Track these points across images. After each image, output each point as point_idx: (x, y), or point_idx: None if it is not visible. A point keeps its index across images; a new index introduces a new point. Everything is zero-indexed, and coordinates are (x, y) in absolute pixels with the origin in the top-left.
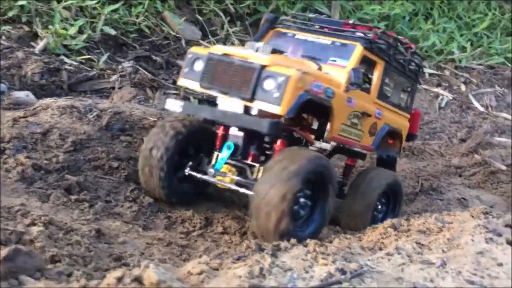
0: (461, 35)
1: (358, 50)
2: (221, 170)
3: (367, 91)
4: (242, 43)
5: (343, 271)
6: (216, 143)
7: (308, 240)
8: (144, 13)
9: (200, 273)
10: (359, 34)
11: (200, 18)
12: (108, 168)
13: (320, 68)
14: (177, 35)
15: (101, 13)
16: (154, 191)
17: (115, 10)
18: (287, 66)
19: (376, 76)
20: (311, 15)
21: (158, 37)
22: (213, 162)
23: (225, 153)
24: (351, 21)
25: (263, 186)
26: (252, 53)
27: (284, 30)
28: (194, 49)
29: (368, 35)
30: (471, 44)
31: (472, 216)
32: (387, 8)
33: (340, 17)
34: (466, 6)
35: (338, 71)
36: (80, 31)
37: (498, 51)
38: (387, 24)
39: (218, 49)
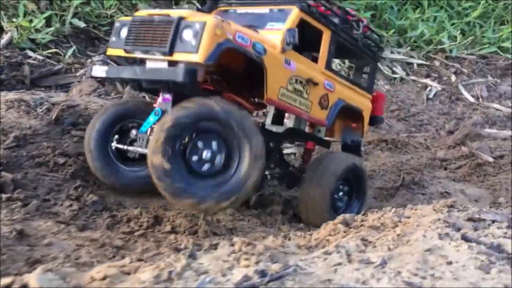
0: (452, 25)
1: (294, 12)
2: (145, 133)
3: (315, 60)
4: None
5: (263, 274)
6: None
7: (236, 239)
8: (118, 5)
9: (104, 278)
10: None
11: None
12: (53, 165)
13: (257, 32)
14: None
15: (70, 6)
16: (103, 179)
17: (87, 3)
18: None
19: (322, 45)
20: None
21: None
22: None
23: (151, 119)
24: None
25: None
26: (173, 11)
27: (226, 8)
28: (121, 18)
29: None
30: (463, 34)
31: (435, 210)
32: None
33: None
34: None
35: (274, 33)
36: (50, 25)
37: (491, 40)
38: (374, 14)
39: (143, 12)
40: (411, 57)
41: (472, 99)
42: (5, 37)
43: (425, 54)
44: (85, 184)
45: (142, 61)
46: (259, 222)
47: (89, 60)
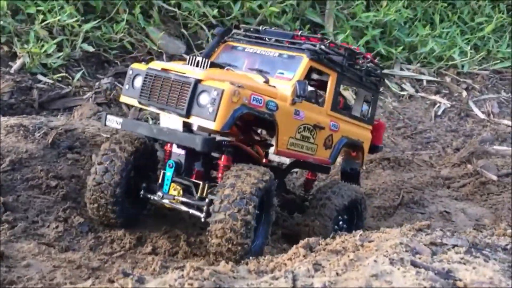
0: (465, 40)
1: (304, 62)
2: (168, 193)
3: (321, 103)
4: None
5: None
6: (164, 160)
7: (187, 264)
8: (127, 29)
9: None
10: (306, 45)
11: (185, 32)
12: (45, 187)
13: (267, 81)
14: (160, 50)
15: (80, 31)
16: (107, 223)
17: (98, 27)
18: (224, 80)
19: (328, 88)
20: (262, 27)
21: (141, 52)
22: (159, 181)
23: (168, 173)
24: (299, 33)
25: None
26: (189, 68)
27: (234, 44)
28: (134, 65)
29: (315, 45)
30: (476, 49)
31: (402, 233)
32: (382, 14)
33: (334, 26)
34: (471, 9)
35: (284, 84)
36: (61, 50)
37: (505, 55)
38: (383, 31)
39: (157, 65)
40: (421, 73)
41: (482, 116)
42: (18, 63)
43: (436, 70)
44: (75, 205)
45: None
46: None
47: (97, 83)
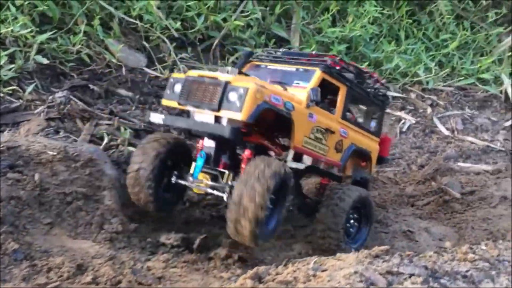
0: (430, 56)
1: (317, 73)
2: (198, 178)
3: (332, 112)
4: (192, 69)
5: None
6: (195, 155)
7: None
8: (86, 41)
9: None
10: (319, 60)
11: (147, 44)
12: None
13: (285, 89)
14: (119, 63)
15: (33, 42)
16: (144, 206)
17: (54, 39)
18: (250, 81)
19: (339, 99)
20: (282, 49)
21: (100, 65)
22: (191, 171)
23: (199, 162)
24: (314, 52)
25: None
26: (220, 74)
27: (258, 63)
28: (174, 75)
29: (326, 60)
30: (441, 66)
31: (358, 261)
32: (348, 30)
33: (300, 41)
34: (435, 26)
35: (300, 91)
36: (13, 61)
37: (469, 71)
38: (349, 46)
39: (194, 73)
40: (387, 88)
41: (447, 132)
42: None
43: (401, 86)
44: (12, 230)
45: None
46: (194, 269)
47: (51, 96)
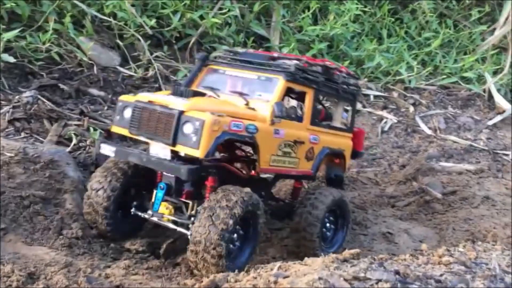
0: (413, 55)
1: (280, 83)
2: (158, 211)
3: (300, 119)
4: (168, 68)
5: None
6: (156, 181)
7: None
8: (57, 39)
9: None
10: (282, 66)
11: (120, 43)
12: None
13: (247, 103)
14: (91, 62)
15: (0, 40)
16: (100, 231)
17: (23, 37)
18: (206, 109)
19: (306, 104)
20: (240, 50)
21: (71, 64)
22: (152, 200)
23: (159, 194)
24: (276, 54)
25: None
26: (173, 99)
27: (216, 67)
28: (123, 97)
29: (290, 66)
30: (423, 64)
31: (324, 265)
32: (329, 28)
33: (280, 39)
34: (418, 25)
35: (263, 106)
36: None
37: (452, 70)
38: (330, 45)
39: (144, 97)
40: (369, 88)
41: (429, 131)
42: None
43: (383, 85)
44: None
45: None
46: (156, 276)
47: (17, 96)
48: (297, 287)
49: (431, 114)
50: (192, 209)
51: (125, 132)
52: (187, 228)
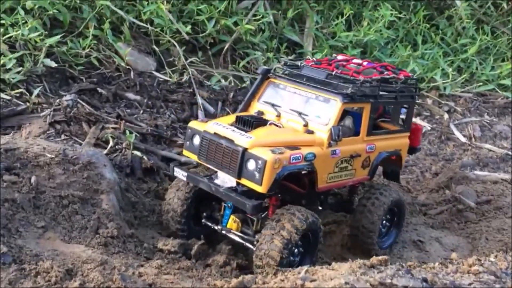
0: (448, 61)
1: (337, 107)
2: (227, 226)
3: (356, 133)
4: (202, 73)
5: None
6: None
7: None
8: (96, 45)
9: None
10: (339, 88)
11: (156, 48)
12: None
13: (306, 124)
14: (128, 67)
15: (42, 46)
16: (175, 234)
17: (64, 42)
18: (268, 144)
19: (363, 118)
20: (300, 63)
21: (109, 69)
22: (221, 212)
23: (226, 211)
24: (340, 57)
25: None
26: (237, 135)
27: (276, 82)
28: (192, 124)
29: (347, 87)
30: (459, 71)
31: (351, 271)
32: (362, 34)
33: (313, 45)
34: (454, 31)
35: (321, 128)
36: (22, 65)
37: (489, 77)
38: (363, 51)
39: (211, 128)
40: None
41: (463, 139)
42: None
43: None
44: (4, 233)
45: None
46: (187, 276)
47: (58, 100)
48: None
49: (466, 121)
50: (257, 225)
51: (194, 157)
52: (252, 243)
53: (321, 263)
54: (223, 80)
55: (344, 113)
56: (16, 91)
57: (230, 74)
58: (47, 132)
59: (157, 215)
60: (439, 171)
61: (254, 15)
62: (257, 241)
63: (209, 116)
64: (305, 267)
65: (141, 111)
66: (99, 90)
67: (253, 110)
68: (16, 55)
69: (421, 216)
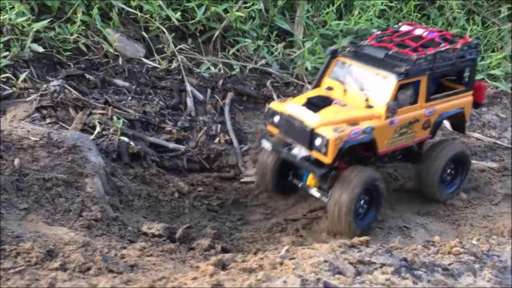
0: None
1: (393, 84)
2: (306, 184)
3: (414, 101)
4: (191, 61)
5: None
6: None
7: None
8: (84, 31)
9: None
10: (394, 66)
11: (146, 35)
12: None
13: (367, 99)
14: (117, 53)
15: (29, 30)
16: (266, 190)
17: (52, 28)
18: (332, 123)
19: (420, 88)
20: (363, 43)
21: (97, 55)
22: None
23: (306, 172)
24: (403, 27)
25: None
26: (307, 116)
27: (343, 60)
28: (272, 105)
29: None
30: None
31: (331, 249)
32: (353, 23)
33: (304, 34)
34: (445, 21)
35: (379, 102)
36: (9, 49)
37: (479, 67)
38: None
39: (287, 110)
40: None
41: (451, 128)
42: None
43: None
44: None
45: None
46: (170, 258)
47: (45, 85)
48: (301, 268)
49: None
50: (330, 182)
51: (276, 132)
52: (326, 197)
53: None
54: (212, 68)
55: (402, 86)
56: (3, 75)
57: (220, 62)
58: (32, 116)
59: (143, 199)
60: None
61: (245, 2)
62: (330, 195)
63: (199, 103)
64: (286, 247)
65: (129, 98)
66: (87, 76)
67: (324, 85)
68: (3, 39)
69: (407, 203)
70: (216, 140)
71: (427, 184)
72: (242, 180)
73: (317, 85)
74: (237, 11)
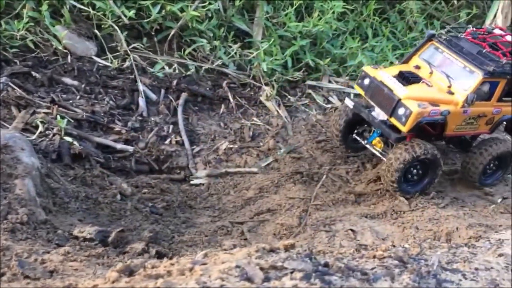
0: (397, 54)
1: (478, 79)
2: (372, 143)
3: (489, 99)
4: (145, 60)
5: None
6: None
7: None
8: (33, 27)
9: None
10: (484, 64)
11: (98, 33)
12: None
13: (450, 86)
14: (66, 51)
15: None
16: (336, 142)
17: None
18: (417, 98)
19: (497, 89)
20: (460, 35)
21: (46, 52)
22: (371, 133)
23: (374, 134)
24: (496, 30)
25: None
26: (397, 86)
27: (437, 45)
28: (365, 68)
29: (490, 65)
30: None
31: (248, 254)
32: (311, 25)
33: (263, 35)
34: (405, 25)
35: (460, 92)
36: None
37: None
38: (313, 42)
39: (379, 76)
40: (350, 86)
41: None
42: None
43: None
44: None
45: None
46: (96, 263)
47: None
48: (208, 274)
49: None
50: (392, 147)
51: (362, 93)
52: (384, 156)
53: None
54: (167, 68)
55: (483, 83)
56: None
57: (175, 62)
58: None
59: (80, 201)
60: (379, 162)
61: (202, 2)
62: (387, 157)
63: (151, 104)
64: (204, 251)
65: (78, 97)
66: (34, 74)
67: (412, 63)
68: None
69: (356, 207)
70: (167, 141)
71: (469, 172)
72: (192, 182)
73: (406, 61)
74: (194, 10)
